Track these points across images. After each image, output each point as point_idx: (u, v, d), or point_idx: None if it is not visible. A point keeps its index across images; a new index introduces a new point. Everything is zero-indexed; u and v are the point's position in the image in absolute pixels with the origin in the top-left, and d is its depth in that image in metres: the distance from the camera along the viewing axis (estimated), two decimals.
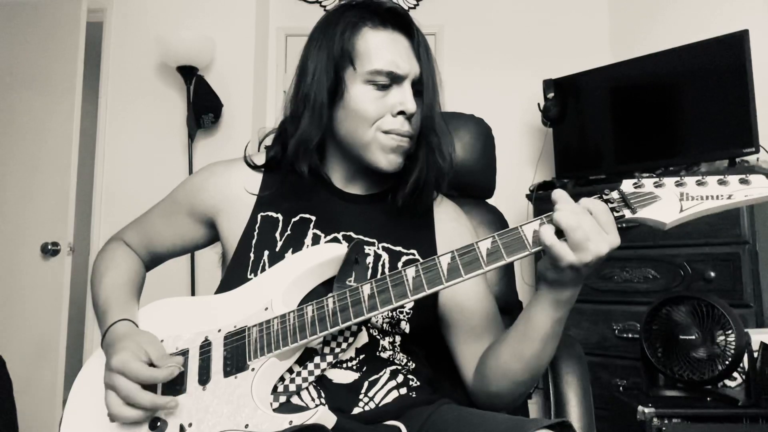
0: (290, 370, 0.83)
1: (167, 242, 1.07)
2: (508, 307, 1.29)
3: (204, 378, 0.82)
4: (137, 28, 2.90)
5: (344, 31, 0.93)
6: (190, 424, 0.78)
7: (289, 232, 0.96)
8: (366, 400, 0.86)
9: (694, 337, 1.54)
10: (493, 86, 2.99)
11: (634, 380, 2.04)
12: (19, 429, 1.89)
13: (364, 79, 0.92)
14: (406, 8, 0.91)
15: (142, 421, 0.80)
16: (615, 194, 0.77)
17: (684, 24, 2.61)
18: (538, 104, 2.67)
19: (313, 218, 0.98)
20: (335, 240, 0.96)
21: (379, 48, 0.92)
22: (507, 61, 3.03)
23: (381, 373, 0.89)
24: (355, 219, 0.98)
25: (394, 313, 0.92)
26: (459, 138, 1.33)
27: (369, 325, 0.91)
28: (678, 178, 0.75)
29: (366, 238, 0.96)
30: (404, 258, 0.97)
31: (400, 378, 0.91)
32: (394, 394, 0.89)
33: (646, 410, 1.45)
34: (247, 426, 0.75)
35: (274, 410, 0.79)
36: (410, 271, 0.78)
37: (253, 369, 0.80)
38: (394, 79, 0.92)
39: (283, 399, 0.82)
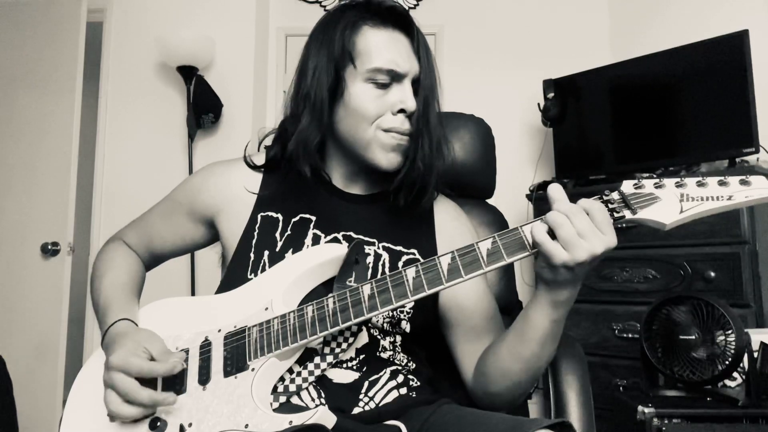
0: (290, 370, 0.83)
1: (167, 242, 1.07)
2: (508, 307, 1.29)
3: (204, 378, 0.82)
4: (137, 28, 2.90)
5: (345, 29, 0.93)
6: (190, 424, 0.78)
7: (289, 232, 0.96)
8: (366, 400, 0.86)
9: (694, 337, 1.54)
10: (493, 86, 2.99)
11: (634, 380, 2.04)
12: (19, 429, 1.89)
13: (364, 77, 0.92)
14: (406, 8, 0.91)
15: (142, 419, 0.80)
16: (615, 195, 0.77)
17: (684, 24, 2.61)
18: (538, 104, 2.67)
19: (313, 218, 0.98)
20: (335, 240, 0.96)
21: (379, 46, 0.92)
22: (507, 61, 3.03)
23: (381, 373, 0.89)
24: (355, 219, 0.99)
25: (394, 312, 0.92)
26: (459, 138, 1.33)
27: (370, 324, 0.91)
28: (678, 179, 0.75)
29: (366, 238, 0.96)
30: (404, 257, 0.97)
31: (401, 378, 0.91)
32: (394, 394, 0.89)
33: (646, 410, 1.45)
34: (247, 426, 0.75)
35: (274, 410, 0.79)
36: (410, 272, 0.78)
37: (253, 369, 0.80)
38: (395, 77, 0.93)
39: (283, 399, 0.82)
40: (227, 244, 1.01)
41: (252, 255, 0.95)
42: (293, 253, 0.93)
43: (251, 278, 0.92)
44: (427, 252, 0.98)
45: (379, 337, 0.91)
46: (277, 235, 0.96)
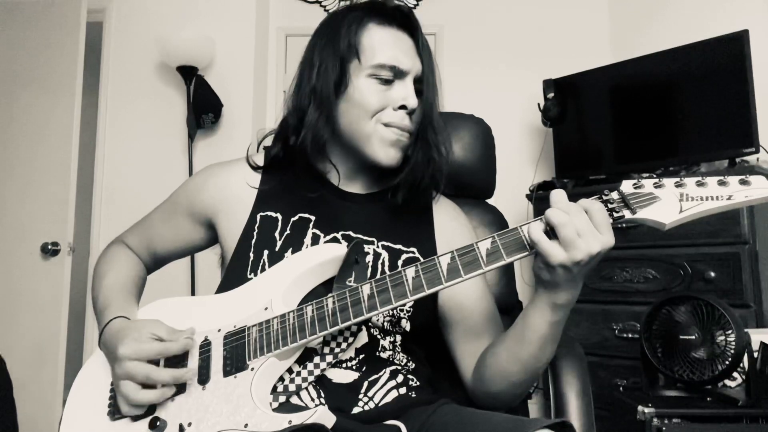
0: (290, 370, 0.83)
1: (168, 244, 1.07)
2: (508, 307, 1.29)
3: (204, 377, 0.82)
4: (137, 28, 2.90)
5: (350, 26, 0.95)
6: (189, 424, 0.78)
7: (288, 231, 0.97)
8: (366, 399, 0.86)
9: (694, 337, 1.54)
10: (493, 86, 2.99)
11: (634, 380, 2.04)
12: (19, 429, 1.89)
13: (368, 72, 0.93)
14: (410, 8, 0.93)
15: (141, 419, 0.80)
16: (615, 195, 0.77)
17: (684, 24, 2.61)
18: (538, 104, 2.67)
19: (313, 218, 0.98)
20: (335, 239, 0.96)
21: (383, 43, 0.94)
22: (507, 61, 3.03)
23: (381, 373, 0.89)
24: (354, 218, 0.99)
25: (394, 312, 0.92)
26: (459, 138, 1.33)
27: (370, 324, 0.91)
28: (678, 179, 0.75)
29: (365, 237, 0.96)
30: (404, 256, 0.97)
31: (400, 378, 0.91)
32: (394, 393, 0.89)
33: (646, 410, 1.45)
34: (246, 425, 0.75)
35: (274, 410, 0.79)
36: (410, 272, 0.78)
37: (252, 369, 0.80)
38: (397, 74, 0.94)
39: (282, 399, 0.82)
40: (227, 244, 1.01)
41: (251, 255, 0.95)
42: (293, 252, 0.93)
43: (251, 278, 0.92)
44: (426, 251, 0.98)
45: (378, 336, 0.91)
46: (277, 234, 0.96)
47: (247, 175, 1.03)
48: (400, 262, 0.96)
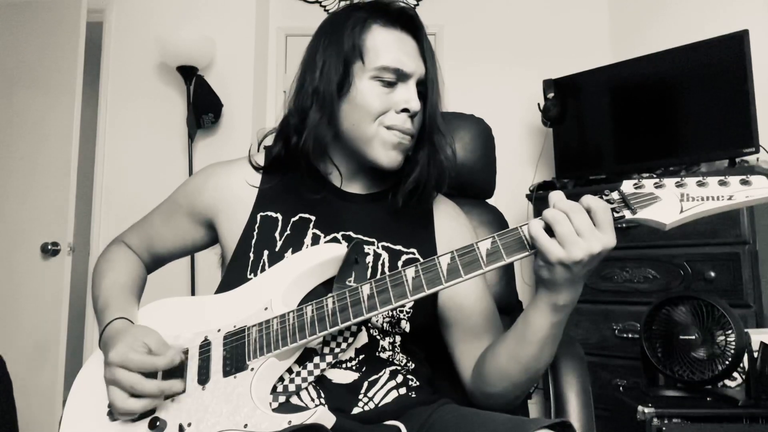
0: (290, 370, 0.83)
1: (168, 244, 1.07)
2: (508, 308, 1.29)
3: (203, 378, 0.82)
4: (137, 28, 2.90)
5: (354, 27, 0.94)
6: (189, 424, 0.78)
7: (288, 232, 0.96)
8: (365, 400, 0.86)
9: (694, 337, 1.54)
10: (494, 86, 2.99)
11: (634, 380, 2.04)
12: (19, 429, 1.89)
13: (371, 74, 0.93)
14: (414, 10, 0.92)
15: (141, 419, 0.80)
16: (615, 195, 0.77)
17: (684, 24, 2.61)
18: (538, 104, 2.67)
19: (313, 218, 0.98)
20: (335, 240, 0.96)
21: (387, 45, 0.93)
22: (507, 61, 3.03)
23: (380, 374, 0.89)
24: (354, 218, 0.99)
25: (394, 312, 0.92)
26: (459, 138, 1.33)
27: (369, 324, 0.91)
28: (678, 179, 0.75)
29: (365, 237, 0.96)
30: (404, 257, 0.97)
31: (400, 378, 0.91)
32: (394, 394, 0.89)
33: (646, 410, 1.45)
34: (246, 426, 0.75)
35: (274, 410, 0.79)
36: (410, 272, 0.78)
37: (252, 369, 0.80)
38: (401, 76, 0.93)
39: (282, 399, 0.82)
40: (227, 244, 1.01)
41: (251, 255, 0.95)
42: (293, 252, 0.93)
43: (251, 278, 0.92)
44: (426, 251, 0.98)
45: (378, 337, 0.91)
46: (277, 234, 0.96)
47: (248, 174, 1.03)
48: (400, 263, 0.95)
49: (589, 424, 0.99)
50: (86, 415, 0.85)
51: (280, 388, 0.82)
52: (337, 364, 0.86)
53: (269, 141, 1.07)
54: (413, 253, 0.98)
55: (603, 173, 2.49)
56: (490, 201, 1.43)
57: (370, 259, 0.95)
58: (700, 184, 0.74)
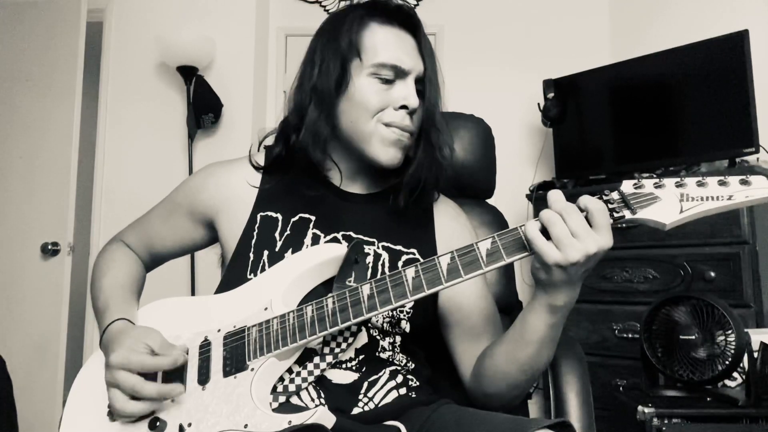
0: (290, 370, 0.83)
1: (167, 243, 1.07)
2: (508, 308, 1.29)
3: (203, 378, 0.82)
4: (137, 28, 2.90)
5: (352, 24, 0.94)
6: (189, 424, 0.78)
7: (288, 232, 0.96)
8: (365, 400, 0.86)
9: (694, 337, 1.54)
10: (493, 86, 2.99)
11: (634, 380, 2.04)
12: (19, 429, 1.89)
13: (369, 71, 0.93)
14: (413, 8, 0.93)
15: (142, 419, 0.80)
16: (615, 195, 0.76)
17: (684, 24, 2.61)
18: (538, 104, 2.67)
19: (313, 218, 0.98)
20: (335, 240, 0.96)
21: (385, 42, 0.94)
22: (507, 61, 3.03)
23: (380, 374, 0.89)
24: (354, 218, 0.98)
25: (394, 312, 0.92)
26: (459, 138, 1.33)
27: (369, 325, 0.91)
28: (678, 179, 0.75)
29: (366, 238, 0.96)
30: (404, 257, 0.97)
31: (400, 378, 0.91)
32: (394, 394, 0.89)
33: (646, 410, 1.45)
34: (246, 426, 0.75)
35: (274, 410, 0.79)
36: (410, 272, 0.78)
37: (252, 369, 0.80)
38: (399, 73, 0.93)
39: (282, 399, 0.82)
40: (227, 244, 1.01)
41: (251, 255, 0.95)
42: (293, 252, 0.93)
43: (251, 278, 0.92)
44: (426, 252, 0.98)
45: (378, 337, 0.91)
46: (277, 234, 0.96)
47: (248, 174, 1.03)
48: (400, 263, 0.95)
49: (589, 424, 0.99)
50: (86, 415, 0.85)
51: (280, 388, 0.82)
52: (337, 365, 0.86)
53: (269, 141, 1.07)
54: (413, 254, 0.98)
55: (603, 173, 2.49)
56: (490, 201, 1.43)
57: (370, 259, 0.95)
58: (700, 184, 0.74)
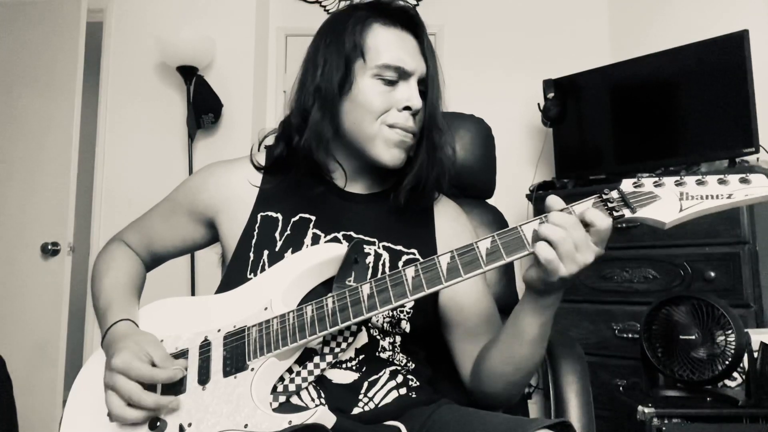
0: (290, 370, 0.83)
1: (167, 242, 1.07)
2: (508, 308, 1.28)
3: (203, 378, 0.82)
4: (137, 28, 2.90)
5: (355, 26, 0.94)
6: (189, 424, 0.78)
7: (288, 231, 0.96)
8: (365, 400, 0.86)
9: (694, 337, 1.54)
10: (493, 86, 2.99)
11: (634, 380, 2.04)
12: (19, 429, 1.89)
13: (372, 73, 0.93)
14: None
15: (142, 422, 0.80)
16: (615, 194, 0.76)
17: (684, 24, 2.61)
18: (538, 104, 2.67)
19: (313, 218, 0.98)
20: (335, 239, 0.96)
21: (388, 44, 0.94)
22: (507, 61, 3.03)
23: (380, 374, 0.89)
24: (355, 218, 0.98)
25: (394, 312, 0.92)
26: (459, 138, 1.33)
27: (370, 325, 0.91)
28: (678, 178, 0.75)
29: (366, 237, 0.96)
30: (404, 257, 0.97)
31: (400, 378, 0.91)
32: (394, 394, 0.89)
33: (646, 410, 1.45)
34: (246, 426, 0.75)
35: (274, 410, 0.79)
36: (409, 271, 0.78)
37: (252, 369, 0.80)
38: (402, 75, 0.94)
39: (282, 399, 0.81)
40: (227, 244, 1.01)
41: (251, 255, 0.95)
42: (293, 252, 0.93)
43: (251, 278, 0.92)
44: (426, 252, 0.98)
45: (378, 337, 0.91)
46: (277, 234, 0.96)
47: (249, 174, 1.03)
48: (400, 263, 0.95)
49: (589, 424, 0.99)
50: (86, 415, 0.85)
51: (280, 388, 0.82)
52: (337, 364, 0.86)
53: (269, 141, 1.07)
54: (414, 254, 0.98)
55: (603, 173, 2.49)
56: (490, 201, 1.43)
57: (370, 259, 0.95)
58: (700, 182, 0.74)
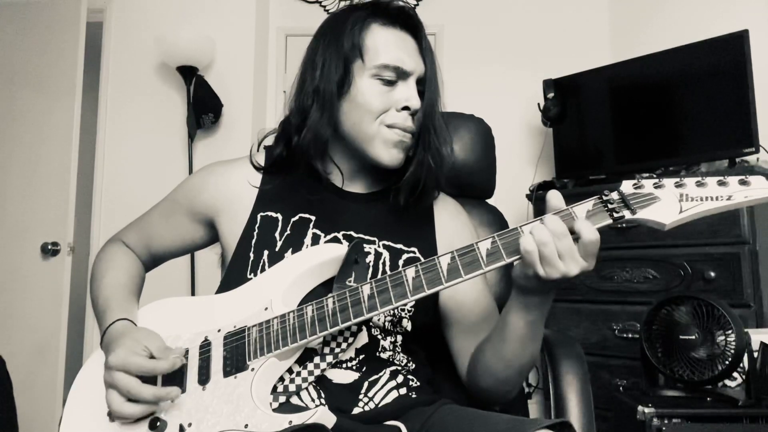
0: (290, 370, 0.83)
1: (167, 242, 1.07)
2: None
3: (204, 378, 0.82)
4: (137, 28, 2.90)
5: (354, 26, 0.95)
6: (189, 424, 0.78)
7: (288, 231, 0.97)
8: (366, 400, 0.86)
9: (694, 337, 1.54)
10: (493, 86, 2.99)
11: (634, 380, 2.04)
12: (19, 429, 1.89)
13: (371, 73, 0.93)
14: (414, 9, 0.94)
15: (142, 419, 0.80)
16: (614, 195, 0.77)
17: (684, 24, 2.61)
18: (538, 104, 2.67)
19: (313, 218, 0.98)
20: (335, 239, 0.96)
21: (387, 44, 0.94)
22: (507, 61, 3.03)
23: (381, 374, 0.89)
24: (355, 218, 0.99)
25: (396, 310, 0.92)
26: (459, 138, 1.33)
27: (371, 324, 0.91)
28: (678, 179, 0.75)
29: (366, 236, 0.97)
30: (405, 256, 0.97)
31: (400, 378, 0.91)
32: (394, 394, 0.89)
33: (646, 410, 1.45)
34: (246, 426, 0.75)
35: (274, 410, 0.79)
36: (410, 272, 0.78)
37: (252, 369, 0.80)
38: (400, 75, 0.94)
39: (282, 399, 0.82)
40: (227, 244, 1.01)
41: (251, 255, 0.95)
42: (293, 252, 0.93)
43: (251, 278, 0.92)
44: (426, 250, 0.98)
45: (379, 337, 0.92)
46: (277, 234, 0.96)
47: (249, 174, 1.03)
48: (400, 262, 0.96)
49: (589, 424, 0.98)
50: (86, 415, 0.85)
51: (280, 388, 0.82)
52: (337, 364, 0.86)
53: (269, 141, 1.07)
54: (414, 252, 0.98)
55: (603, 173, 2.49)
56: (490, 201, 1.43)
57: (371, 258, 0.95)
58: (699, 184, 0.74)
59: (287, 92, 1.02)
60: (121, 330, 0.87)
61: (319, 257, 0.88)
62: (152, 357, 0.82)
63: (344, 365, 0.87)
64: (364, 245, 0.95)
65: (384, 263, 0.95)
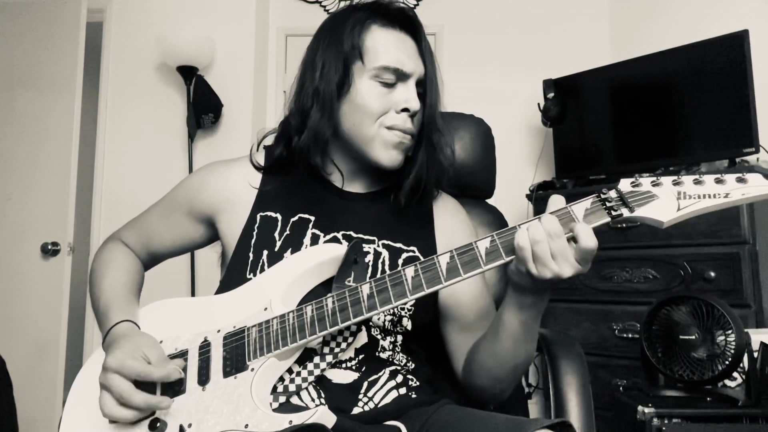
0: (290, 370, 0.83)
1: (166, 242, 1.07)
2: None
3: (203, 378, 0.82)
4: (137, 28, 2.90)
5: (354, 27, 0.95)
6: (189, 425, 0.78)
7: (288, 232, 0.97)
8: (365, 400, 0.86)
9: (694, 337, 1.54)
10: (493, 86, 2.99)
11: (634, 380, 2.04)
12: (19, 429, 1.89)
13: (371, 74, 0.93)
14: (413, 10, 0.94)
15: (141, 420, 0.80)
16: (613, 193, 0.77)
17: (684, 24, 2.61)
18: (538, 104, 2.67)
19: (312, 218, 0.98)
20: (335, 239, 0.96)
21: (386, 45, 0.94)
22: (507, 61, 3.03)
23: (380, 373, 0.89)
24: (354, 218, 0.99)
25: (396, 309, 0.92)
26: (459, 138, 1.33)
27: (371, 323, 0.91)
28: (675, 177, 0.75)
29: (366, 236, 0.97)
30: (404, 255, 0.97)
31: (400, 378, 0.91)
32: (394, 394, 0.89)
33: (646, 410, 1.45)
34: (246, 426, 0.75)
35: (274, 410, 0.79)
36: (409, 271, 0.79)
37: (252, 369, 0.80)
38: (400, 76, 0.94)
39: (282, 399, 0.82)
40: (226, 243, 1.01)
41: (251, 255, 0.95)
42: (292, 252, 0.93)
43: (250, 278, 0.92)
44: (426, 249, 0.98)
45: (378, 337, 0.92)
46: (276, 234, 0.96)
47: (248, 174, 1.03)
48: (400, 261, 0.96)
49: (589, 424, 0.98)
50: (86, 416, 0.85)
51: (280, 388, 0.82)
52: (337, 364, 0.86)
53: (269, 140, 1.07)
54: (413, 251, 0.98)
55: (603, 173, 2.49)
56: (490, 201, 1.43)
57: (370, 257, 0.95)
58: (697, 182, 0.74)
59: (287, 92, 1.02)
60: (124, 332, 0.87)
61: (319, 257, 0.88)
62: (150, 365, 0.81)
63: (344, 365, 0.87)
64: (364, 245, 0.95)
65: (383, 263, 0.95)
